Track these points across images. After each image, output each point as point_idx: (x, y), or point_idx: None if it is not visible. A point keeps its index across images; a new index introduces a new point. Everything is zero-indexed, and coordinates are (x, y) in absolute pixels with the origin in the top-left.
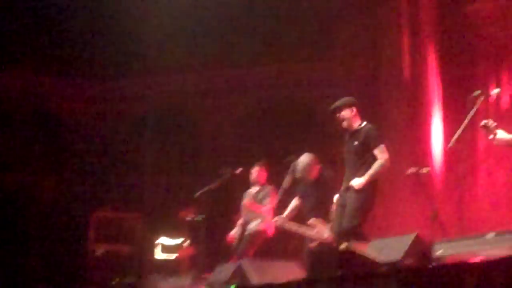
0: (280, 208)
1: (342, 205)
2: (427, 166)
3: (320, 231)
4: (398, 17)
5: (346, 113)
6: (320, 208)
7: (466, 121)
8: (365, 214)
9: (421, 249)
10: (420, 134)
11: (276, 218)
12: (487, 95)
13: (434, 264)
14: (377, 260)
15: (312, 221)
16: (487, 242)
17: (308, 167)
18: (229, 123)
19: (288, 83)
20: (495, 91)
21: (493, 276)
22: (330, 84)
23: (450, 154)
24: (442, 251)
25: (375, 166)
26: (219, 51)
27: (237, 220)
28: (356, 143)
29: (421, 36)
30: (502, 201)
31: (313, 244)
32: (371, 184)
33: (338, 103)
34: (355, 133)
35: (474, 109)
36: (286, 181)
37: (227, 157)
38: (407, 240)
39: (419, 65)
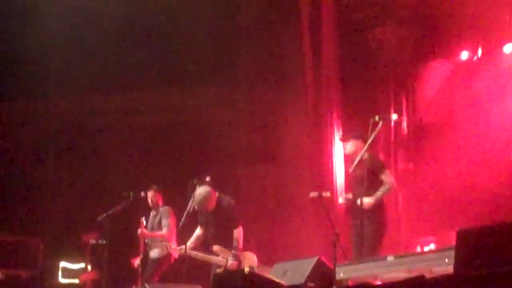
0: (184, 230)
1: (358, 234)
2: (328, 189)
3: (224, 257)
4: (300, 40)
5: (353, 143)
6: (222, 235)
7: (366, 145)
8: (382, 241)
9: (323, 272)
10: (322, 158)
11: (180, 247)
12: (387, 120)
13: (336, 286)
14: (280, 283)
15: (215, 248)
16: (387, 265)
17: (205, 199)
18: (133, 145)
19: (191, 106)
20: (394, 117)
21: None
22: (233, 107)
23: (351, 177)
24: (343, 274)
25: (384, 189)
26: (122, 73)
27: (141, 243)
28: (360, 172)
29: (322, 60)
30: (402, 224)
31: (219, 270)
32: (381, 210)
33: (349, 133)
34: (359, 163)
35: (374, 134)
36: (190, 205)
37: (130, 180)
38: (309, 263)
39: (321, 90)
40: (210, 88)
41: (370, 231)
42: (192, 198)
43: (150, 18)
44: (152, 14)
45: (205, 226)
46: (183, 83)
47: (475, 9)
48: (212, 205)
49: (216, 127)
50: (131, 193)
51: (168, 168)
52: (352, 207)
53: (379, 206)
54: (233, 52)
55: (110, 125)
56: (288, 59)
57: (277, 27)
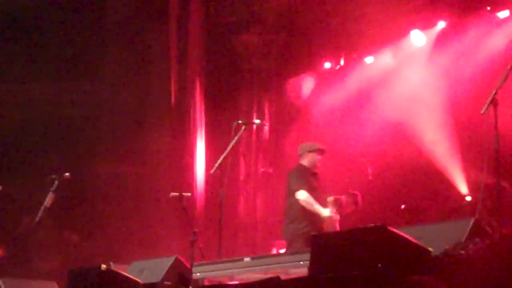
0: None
1: None
2: (189, 190)
3: None
4: (166, 43)
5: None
6: None
7: (228, 149)
8: None
9: (180, 271)
10: (184, 159)
11: None
12: (249, 125)
13: (192, 285)
14: (137, 281)
15: None
16: (244, 266)
17: None
18: None
19: (53, 101)
20: (256, 122)
21: None
22: (96, 105)
23: (212, 179)
24: (200, 273)
25: None
26: None
27: None
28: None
29: (188, 63)
30: (259, 226)
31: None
32: None
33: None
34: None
35: (236, 137)
36: (49, 199)
37: None
38: (167, 262)
39: (186, 92)
40: (73, 85)
41: None
42: (51, 192)
43: (14, 12)
44: (18, 9)
45: None
46: (44, 78)
47: (339, 21)
48: None
49: (78, 123)
50: None
51: (28, 163)
52: None
53: None
54: (98, 50)
55: None
56: (153, 60)
57: (144, 27)
